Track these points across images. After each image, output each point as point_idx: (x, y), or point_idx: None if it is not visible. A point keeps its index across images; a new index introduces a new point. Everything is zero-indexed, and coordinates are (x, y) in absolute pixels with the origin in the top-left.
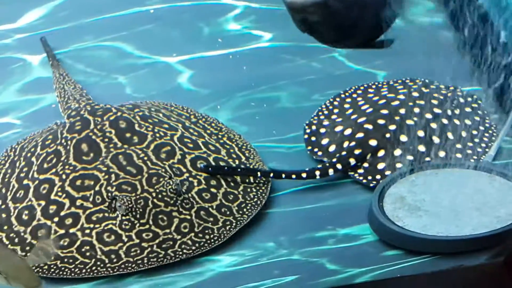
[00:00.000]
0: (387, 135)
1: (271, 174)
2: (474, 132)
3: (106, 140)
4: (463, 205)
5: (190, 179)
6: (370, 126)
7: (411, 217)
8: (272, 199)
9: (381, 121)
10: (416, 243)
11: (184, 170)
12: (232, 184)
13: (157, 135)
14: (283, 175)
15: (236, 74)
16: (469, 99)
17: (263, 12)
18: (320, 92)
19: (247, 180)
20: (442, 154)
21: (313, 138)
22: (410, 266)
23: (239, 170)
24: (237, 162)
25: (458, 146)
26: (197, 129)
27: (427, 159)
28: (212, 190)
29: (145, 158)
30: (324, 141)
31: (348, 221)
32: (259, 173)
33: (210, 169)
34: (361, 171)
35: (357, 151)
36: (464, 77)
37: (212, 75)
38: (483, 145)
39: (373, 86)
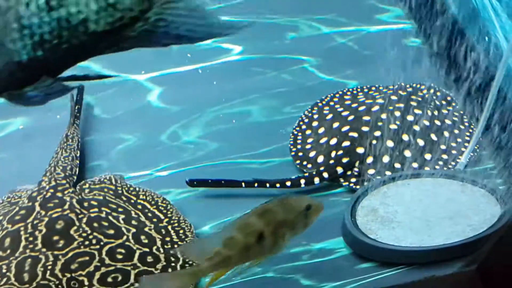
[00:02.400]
0: (373, 142)
1: (255, 184)
2: (453, 135)
3: (30, 239)
4: (436, 214)
5: None
6: (355, 134)
7: (384, 229)
8: None
9: (365, 128)
10: (389, 255)
11: (87, 283)
12: None
13: (86, 242)
14: (267, 185)
15: (207, 89)
16: (444, 102)
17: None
18: (291, 104)
19: None
20: (428, 156)
21: (300, 154)
22: (384, 278)
23: (222, 182)
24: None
25: (443, 147)
26: (153, 235)
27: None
28: None
29: (49, 266)
30: (312, 154)
31: (322, 235)
32: (243, 184)
33: (194, 183)
34: (353, 179)
35: (344, 160)
36: (435, 83)
37: (182, 91)
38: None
39: (348, 93)
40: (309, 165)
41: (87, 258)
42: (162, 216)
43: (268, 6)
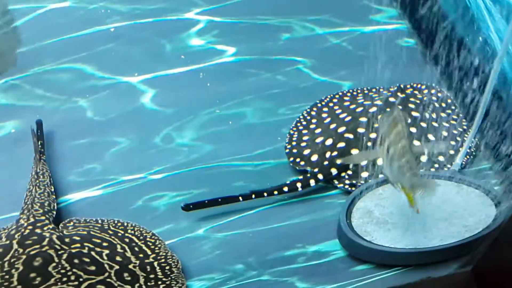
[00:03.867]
0: (368, 144)
1: (253, 196)
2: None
3: (6, 277)
4: (431, 216)
5: None
6: (350, 136)
7: (380, 231)
8: (241, 219)
9: (361, 130)
10: (385, 257)
11: None
12: None
13: (64, 279)
14: (265, 194)
15: (201, 91)
16: (443, 104)
17: (226, 26)
18: (286, 106)
19: None
20: (423, 158)
21: (294, 150)
22: (380, 280)
23: (219, 200)
24: None
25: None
26: (137, 273)
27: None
28: None
29: None
30: (306, 151)
31: (317, 237)
32: (240, 198)
33: (190, 206)
34: (347, 181)
35: (339, 161)
36: (429, 83)
37: (175, 93)
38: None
39: (348, 94)
40: (302, 162)
41: None
42: (149, 252)
43: (262, 7)
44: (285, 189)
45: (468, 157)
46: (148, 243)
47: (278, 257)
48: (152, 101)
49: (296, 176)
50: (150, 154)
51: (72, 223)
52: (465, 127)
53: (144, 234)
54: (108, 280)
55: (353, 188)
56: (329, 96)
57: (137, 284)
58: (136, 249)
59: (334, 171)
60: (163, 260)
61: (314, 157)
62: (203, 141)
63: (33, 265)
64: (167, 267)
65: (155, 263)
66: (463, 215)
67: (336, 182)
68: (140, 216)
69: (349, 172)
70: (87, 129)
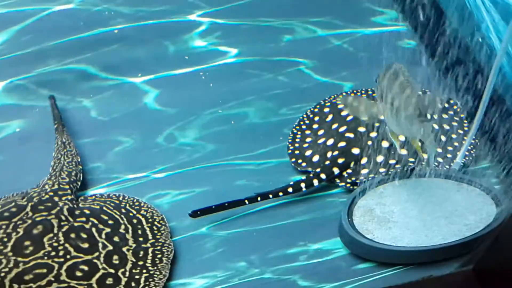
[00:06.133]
0: (369, 143)
1: (259, 198)
2: (453, 136)
3: (5, 239)
4: (432, 214)
5: None
6: (351, 135)
7: (381, 229)
8: (243, 218)
9: (362, 129)
10: (386, 255)
11: None
12: None
13: (53, 253)
14: (271, 196)
15: (203, 91)
16: (446, 104)
17: (229, 27)
18: (287, 106)
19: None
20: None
21: (296, 152)
22: (381, 278)
23: (226, 204)
24: None
25: (439, 150)
26: (127, 257)
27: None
28: None
29: (2, 273)
30: (308, 152)
31: (319, 236)
32: (247, 202)
33: (198, 213)
34: (349, 180)
35: (340, 160)
36: (429, 85)
37: (178, 93)
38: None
39: (351, 95)
40: (304, 164)
41: (44, 270)
42: (150, 236)
43: (264, 9)
44: (290, 189)
45: (466, 157)
46: (154, 227)
47: (280, 255)
48: (155, 101)
49: (298, 175)
50: (153, 153)
51: (93, 197)
52: (465, 127)
53: (154, 217)
54: (95, 261)
55: (355, 187)
56: (332, 96)
57: (121, 270)
58: (139, 231)
59: (336, 170)
60: (158, 247)
61: (316, 158)
62: (205, 140)
63: (32, 232)
64: (159, 255)
65: (150, 249)
66: (464, 214)
67: (337, 180)
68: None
69: (350, 170)
70: (91, 128)
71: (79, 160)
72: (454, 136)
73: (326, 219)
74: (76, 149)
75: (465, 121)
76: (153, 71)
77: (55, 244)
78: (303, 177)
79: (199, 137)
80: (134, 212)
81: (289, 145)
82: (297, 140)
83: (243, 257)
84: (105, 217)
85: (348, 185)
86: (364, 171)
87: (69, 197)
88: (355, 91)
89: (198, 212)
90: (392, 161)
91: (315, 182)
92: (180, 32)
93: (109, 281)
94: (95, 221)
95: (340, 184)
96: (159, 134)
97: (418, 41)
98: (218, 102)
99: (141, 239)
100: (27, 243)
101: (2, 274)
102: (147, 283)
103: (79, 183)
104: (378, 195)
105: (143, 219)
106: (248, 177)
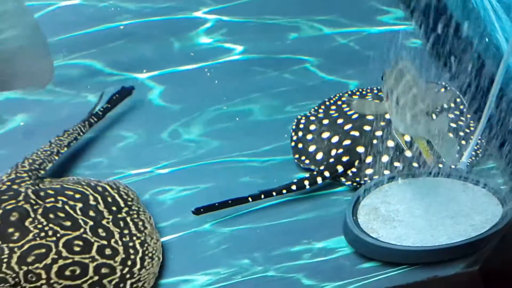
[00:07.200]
0: (374, 141)
1: (262, 196)
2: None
3: None
4: (437, 214)
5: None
6: (356, 133)
7: (386, 228)
8: (247, 215)
9: (367, 128)
10: (391, 255)
11: (44, 276)
12: None
13: (42, 234)
14: (274, 193)
15: (208, 88)
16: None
17: (234, 25)
18: (293, 103)
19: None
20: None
21: (300, 145)
22: (386, 278)
23: (229, 202)
24: (129, 269)
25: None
26: (111, 229)
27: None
28: None
29: (5, 259)
30: (311, 148)
31: (323, 234)
32: (250, 199)
33: (201, 210)
34: (353, 178)
35: (344, 158)
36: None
37: (183, 90)
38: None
39: (357, 93)
40: (307, 161)
41: (43, 250)
42: (122, 204)
43: (270, 7)
44: (293, 187)
45: (473, 158)
46: (121, 193)
47: (284, 253)
48: (160, 97)
49: (302, 173)
50: (157, 149)
51: (48, 180)
52: (472, 127)
53: (117, 184)
54: (85, 235)
55: (359, 185)
56: (338, 95)
57: (113, 240)
58: (109, 199)
59: (340, 168)
60: (135, 216)
61: (319, 155)
62: (210, 137)
63: (10, 220)
64: (140, 223)
65: (128, 218)
66: (470, 214)
67: (342, 179)
68: (146, 209)
69: (354, 169)
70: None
71: (60, 151)
72: (461, 134)
73: (330, 217)
74: (71, 142)
75: (471, 122)
76: (158, 67)
77: (40, 226)
78: (307, 175)
79: (203, 133)
80: (95, 182)
81: (293, 136)
82: (300, 134)
83: (246, 255)
84: (71, 193)
85: (353, 183)
86: (369, 171)
87: (28, 182)
88: (360, 90)
89: (201, 210)
90: (397, 164)
91: (319, 180)
92: (186, 29)
93: (108, 251)
94: (64, 199)
95: (346, 183)
96: (164, 130)
97: (424, 40)
98: (223, 99)
99: (114, 208)
100: (10, 230)
101: (5, 260)
102: (144, 248)
103: (42, 172)
104: (383, 194)
105: (107, 186)
106: (252, 174)
